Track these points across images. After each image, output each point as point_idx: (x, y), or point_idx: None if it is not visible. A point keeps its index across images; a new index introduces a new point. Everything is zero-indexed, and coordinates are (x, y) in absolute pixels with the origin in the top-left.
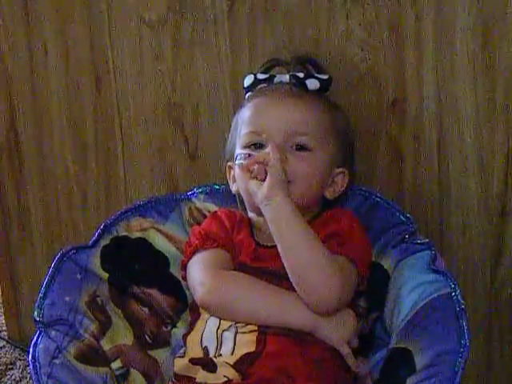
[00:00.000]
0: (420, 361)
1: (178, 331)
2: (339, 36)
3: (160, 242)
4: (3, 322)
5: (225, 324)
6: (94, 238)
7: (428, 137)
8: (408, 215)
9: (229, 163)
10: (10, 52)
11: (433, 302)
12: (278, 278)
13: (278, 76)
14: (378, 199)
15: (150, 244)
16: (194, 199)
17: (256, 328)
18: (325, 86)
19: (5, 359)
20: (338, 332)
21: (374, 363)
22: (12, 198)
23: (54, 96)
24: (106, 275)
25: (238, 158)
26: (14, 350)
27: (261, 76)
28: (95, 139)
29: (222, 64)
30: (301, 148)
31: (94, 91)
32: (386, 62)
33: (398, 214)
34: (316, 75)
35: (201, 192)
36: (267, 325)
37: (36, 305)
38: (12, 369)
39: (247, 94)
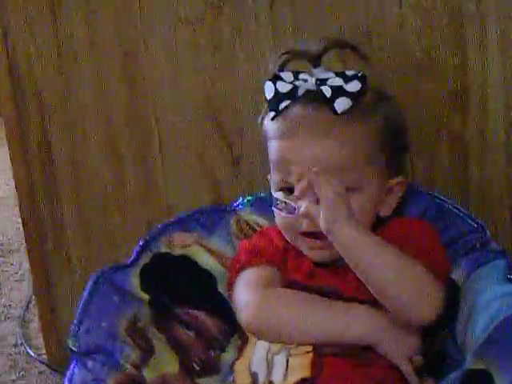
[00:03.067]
0: None
1: (228, 356)
2: (392, 23)
3: (205, 259)
4: (42, 344)
5: (275, 347)
6: (133, 257)
7: (495, 131)
8: (480, 222)
9: (269, 177)
10: (38, 62)
11: None
12: (335, 297)
13: (302, 85)
14: (445, 204)
15: (195, 261)
16: (240, 211)
17: (310, 349)
18: (357, 96)
19: None
20: (400, 346)
21: None
22: (47, 214)
23: (87, 103)
24: (146, 297)
25: (276, 203)
26: (55, 375)
27: (282, 88)
28: (131, 148)
29: (265, 60)
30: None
31: (127, 97)
32: (446, 50)
33: (468, 220)
34: (345, 87)
35: (246, 202)
36: (322, 343)
37: (71, 333)
38: None
39: (271, 113)
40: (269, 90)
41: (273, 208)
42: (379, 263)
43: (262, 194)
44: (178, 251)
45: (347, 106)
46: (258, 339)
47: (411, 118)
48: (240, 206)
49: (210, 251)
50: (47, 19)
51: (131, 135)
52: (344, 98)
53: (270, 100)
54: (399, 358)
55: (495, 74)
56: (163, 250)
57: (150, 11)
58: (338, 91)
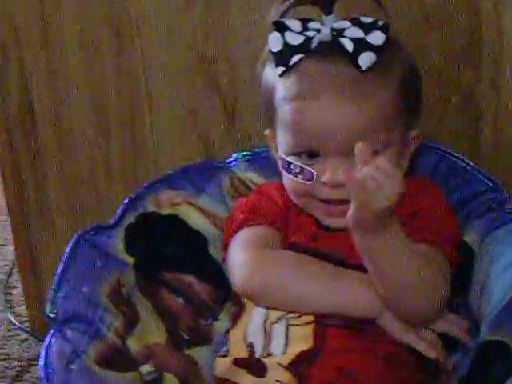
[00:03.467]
0: None
1: (221, 325)
2: None
3: (195, 219)
4: (26, 312)
5: (273, 315)
6: (117, 216)
7: (510, 88)
8: (495, 180)
9: (266, 132)
10: (19, 12)
11: None
12: (339, 264)
13: (315, 36)
14: (457, 160)
15: (184, 221)
16: (234, 168)
17: (312, 319)
18: (382, 50)
19: (27, 354)
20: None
21: (459, 359)
22: (29, 176)
23: (69, 55)
24: (131, 260)
25: (289, 168)
26: (38, 343)
27: (292, 39)
28: (118, 103)
29: (262, 9)
30: (375, 153)
31: (114, 48)
32: None
33: (483, 178)
34: (367, 40)
35: (241, 158)
36: (325, 314)
37: (48, 298)
38: (35, 365)
39: (279, 68)
40: (275, 42)
41: (282, 171)
42: (400, 269)
43: (257, 149)
44: (165, 210)
45: (372, 61)
46: (254, 305)
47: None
48: (234, 162)
49: (201, 210)
50: None
51: (118, 91)
52: (368, 53)
53: (278, 53)
54: (402, 331)
55: (510, 25)
56: (150, 209)
57: None
58: (361, 44)
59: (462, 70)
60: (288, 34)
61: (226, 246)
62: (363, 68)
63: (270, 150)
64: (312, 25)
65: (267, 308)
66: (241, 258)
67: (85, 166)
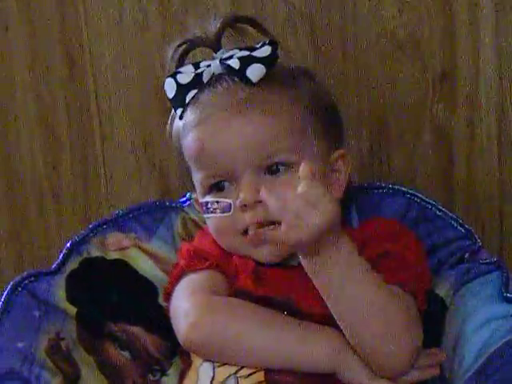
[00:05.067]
0: None
1: (170, 381)
2: None
3: (144, 265)
4: None
5: (221, 374)
6: (58, 261)
7: (485, 122)
8: (468, 227)
9: (194, 195)
10: None
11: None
12: (291, 313)
13: (205, 70)
14: (428, 204)
15: (132, 267)
16: (187, 208)
17: (262, 379)
18: (270, 62)
19: None
20: (367, 370)
21: None
22: None
23: (19, 83)
24: (73, 310)
25: (207, 208)
26: None
27: (184, 79)
28: (69, 132)
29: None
30: (276, 169)
31: (65, 73)
32: (431, 27)
33: (454, 224)
34: (253, 54)
35: (194, 198)
36: (278, 368)
37: None
38: None
39: (178, 111)
40: (170, 87)
41: (204, 216)
42: (358, 296)
43: None
44: (112, 255)
45: (261, 73)
46: (201, 358)
47: (389, 105)
48: (187, 202)
49: (151, 255)
50: None
51: (69, 117)
52: (256, 65)
53: (174, 97)
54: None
55: (487, 56)
56: (95, 253)
57: None
58: (247, 59)
59: (435, 105)
60: (180, 76)
61: (168, 295)
62: (253, 80)
63: None
64: (203, 63)
65: (214, 362)
66: (185, 306)
67: (32, 198)
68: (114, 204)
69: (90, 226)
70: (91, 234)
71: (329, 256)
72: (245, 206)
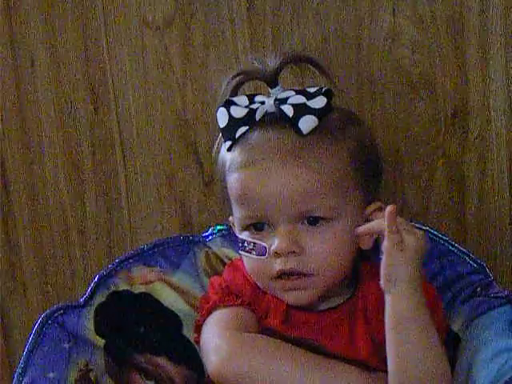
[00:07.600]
0: None
1: None
2: (384, 34)
3: (169, 298)
4: None
5: None
6: (87, 295)
7: (497, 159)
8: (481, 262)
9: (230, 218)
10: None
11: None
12: (316, 352)
13: (259, 108)
14: (441, 240)
15: (157, 300)
16: (210, 243)
17: None
18: (324, 114)
19: None
20: None
21: None
22: (0, 241)
23: (44, 118)
24: (101, 342)
25: (243, 246)
26: None
27: (237, 112)
28: (93, 168)
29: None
30: (314, 220)
31: (90, 111)
32: (444, 66)
33: (467, 259)
34: (308, 104)
35: (217, 233)
36: None
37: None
38: None
39: (227, 143)
40: (222, 117)
41: (240, 252)
42: (422, 332)
43: None
44: (138, 288)
45: (313, 125)
46: None
47: (403, 142)
48: (210, 237)
49: (175, 288)
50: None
51: (93, 152)
52: (309, 116)
53: (224, 128)
54: None
55: (499, 95)
56: (122, 286)
57: (114, 14)
58: (301, 109)
59: (448, 142)
60: (233, 109)
61: (198, 328)
62: (304, 132)
63: None
64: (258, 98)
65: None
66: (217, 342)
67: (58, 233)
68: (137, 236)
69: (117, 260)
70: (118, 268)
71: (416, 291)
72: (277, 253)
